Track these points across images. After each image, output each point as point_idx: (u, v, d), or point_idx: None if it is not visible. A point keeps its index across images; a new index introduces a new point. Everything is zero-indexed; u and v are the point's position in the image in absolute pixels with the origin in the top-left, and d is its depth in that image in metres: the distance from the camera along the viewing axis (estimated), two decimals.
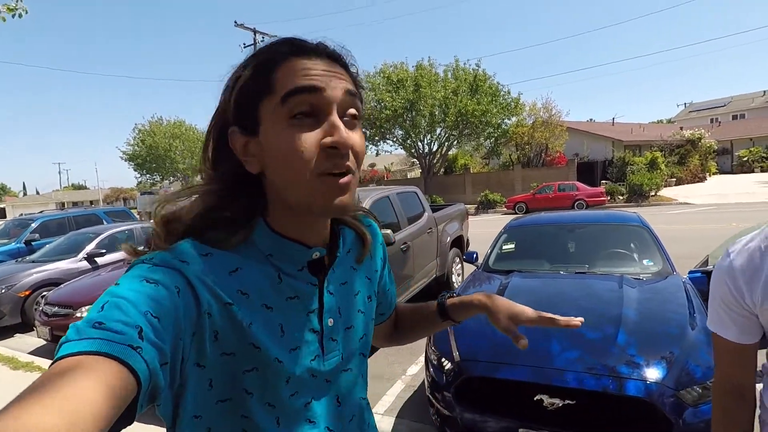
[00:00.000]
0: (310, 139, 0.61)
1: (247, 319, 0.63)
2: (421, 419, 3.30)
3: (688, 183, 25.40)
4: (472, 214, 19.14)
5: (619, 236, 3.98)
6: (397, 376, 4.11)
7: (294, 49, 0.63)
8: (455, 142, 25.37)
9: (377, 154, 27.85)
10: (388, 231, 4.29)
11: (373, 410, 3.57)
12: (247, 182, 0.67)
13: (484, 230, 13.10)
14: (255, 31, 20.14)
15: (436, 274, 6.08)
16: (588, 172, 23.88)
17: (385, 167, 33.09)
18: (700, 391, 2.13)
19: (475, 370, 2.53)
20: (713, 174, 28.61)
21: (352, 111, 0.66)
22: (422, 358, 4.44)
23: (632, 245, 3.81)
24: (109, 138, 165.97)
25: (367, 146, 26.18)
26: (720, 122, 39.91)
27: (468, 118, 22.47)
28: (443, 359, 2.74)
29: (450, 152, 27.46)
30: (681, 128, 30.57)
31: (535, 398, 2.28)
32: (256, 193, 0.68)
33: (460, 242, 7.02)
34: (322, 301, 0.72)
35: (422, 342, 4.90)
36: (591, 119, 34.72)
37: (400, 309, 1.03)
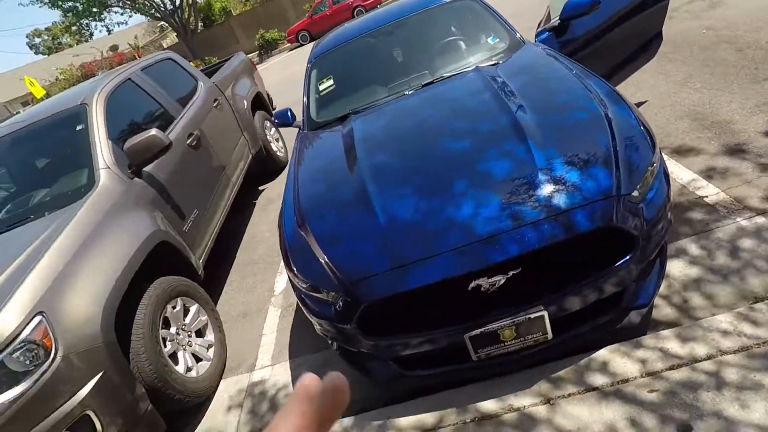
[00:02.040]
0: None
1: None
2: (318, 345, 2.47)
3: None
4: (257, 63, 16.70)
5: (448, 20, 3.11)
6: (264, 301, 3.14)
7: None
8: None
9: (109, 32, 21.36)
10: (152, 131, 2.74)
11: (258, 364, 2.63)
12: None
13: (280, 76, 11.50)
14: None
15: (252, 152, 4.75)
16: None
17: (130, 45, 25.85)
18: (644, 179, 1.61)
19: (376, 290, 1.65)
20: None
21: None
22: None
23: (468, 25, 3.02)
24: None
25: (87, 25, 19.88)
26: None
27: None
28: (321, 289, 1.80)
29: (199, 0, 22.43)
30: None
31: (470, 287, 1.55)
32: None
33: (260, 102, 5.55)
34: None
35: (273, 242, 3.88)
36: None
37: None
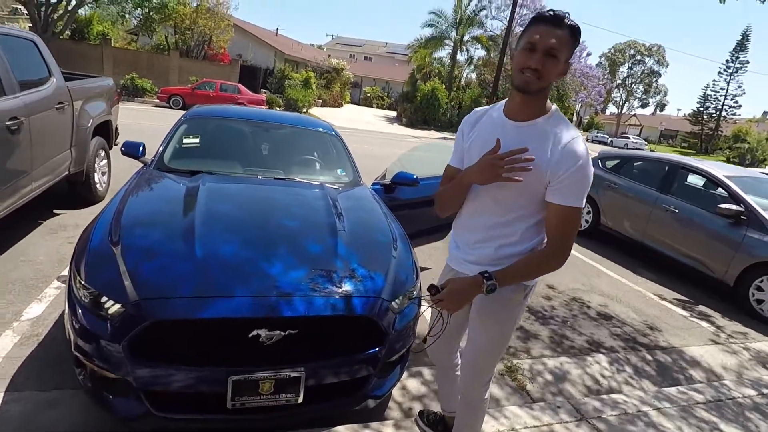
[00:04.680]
0: None
1: None
2: (58, 384, 2.22)
3: (330, 106, 29.35)
4: None
5: (313, 143, 3.79)
6: (5, 323, 2.67)
7: None
8: None
9: None
10: None
11: None
12: None
13: (136, 121, 10.89)
14: None
15: (70, 170, 4.34)
16: (251, 77, 23.60)
17: None
18: (402, 298, 2.17)
19: (168, 311, 1.75)
20: (347, 102, 34.23)
21: None
22: (50, 291, 3.08)
23: (326, 153, 3.70)
24: None
25: None
26: (356, 59, 47.74)
27: None
28: (104, 299, 1.79)
29: (81, 11, 20.79)
30: (329, 56, 34.46)
31: (251, 335, 1.78)
32: None
33: (106, 129, 5.28)
34: None
35: (45, 267, 3.40)
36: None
37: None
